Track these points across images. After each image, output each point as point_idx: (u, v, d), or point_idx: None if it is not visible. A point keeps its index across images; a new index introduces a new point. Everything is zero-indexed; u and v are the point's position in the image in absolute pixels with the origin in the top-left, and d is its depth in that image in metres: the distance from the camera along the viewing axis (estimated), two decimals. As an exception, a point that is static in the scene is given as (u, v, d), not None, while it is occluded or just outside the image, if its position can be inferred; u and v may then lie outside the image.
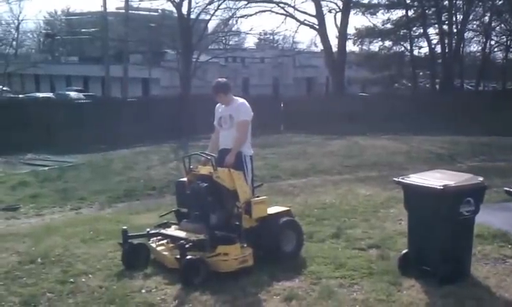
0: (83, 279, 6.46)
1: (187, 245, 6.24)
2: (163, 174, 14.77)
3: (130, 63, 37.65)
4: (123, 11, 37.11)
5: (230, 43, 48.96)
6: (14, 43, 45.22)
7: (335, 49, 33.34)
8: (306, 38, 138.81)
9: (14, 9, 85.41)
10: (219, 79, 7.65)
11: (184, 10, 30.46)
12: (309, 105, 28.85)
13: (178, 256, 6.25)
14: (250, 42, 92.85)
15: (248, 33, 71.18)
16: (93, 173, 15.40)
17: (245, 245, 6.47)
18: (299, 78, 53.17)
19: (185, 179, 7.18)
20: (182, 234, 6.70)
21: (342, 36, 33.25)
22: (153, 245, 6.90)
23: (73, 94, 37.03)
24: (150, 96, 38.35)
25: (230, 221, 6.70)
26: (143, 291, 6.07)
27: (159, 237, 6.97)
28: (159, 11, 42.27)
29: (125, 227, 7.02)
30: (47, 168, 16.57)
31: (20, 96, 34.87)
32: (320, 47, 38.32)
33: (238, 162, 6.94)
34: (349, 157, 17.10)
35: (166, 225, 7.20)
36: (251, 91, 47.00)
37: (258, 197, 6.97)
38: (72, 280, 6.43)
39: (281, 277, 6.35)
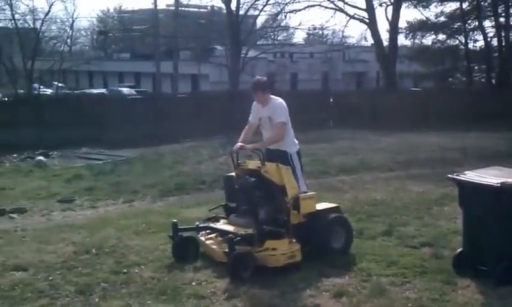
0: (136, 270, 6.59)
1: (235, 239, 6.29)
2: (212, 168, 14.87)
3: (180, 59, 38.07)
4: (173, 8, 37.55)
5: (279, 38, 48.73)
6: (68, 40, 46.25)
7: (385, 43, 32.85)
8: (356, 32, 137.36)
9: (68, 8, 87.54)
10: (258, 77, 7.70)
11: (233, 6, 30.61)
12: (359, 100, 28.54)
13: (226, 250, 6.30)
14: (299, 37, 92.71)
15: (296, 28, 70.56)
16: (144, 167, 15.64)
17: (293, 241, 6.48)
18: (349, 73, 52.61)
19: (233, 174, 7.19)
20: (230, 228, 6.76)
21: (393, 30, 32.67)
22: (202, 238, 6.96)
23: (125, 90, 37.69)
24: (199, 92, 38.65)
25: (278, 216, 6.69)
26: (194, 283, 6.15)
27: (208, 231, 7.03)
28: (208, 7, 42.62)
29: (175, 220, 7.11)
30: (101, 162, 16.94)
31: (75, 92, 35.74)
32: (370, 41, 37.83)
33: (284, 162, 6.93)
34: (401, 153, 16.79)
35: (215, 219, 7.27)
36: (300, 86, 46.85)
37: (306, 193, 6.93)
38: (125, 270, 6.57)
39: (331, 274, 6.31)
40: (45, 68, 32.52)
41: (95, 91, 37.38)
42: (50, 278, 6.41)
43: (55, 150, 18.90)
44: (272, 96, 7.25)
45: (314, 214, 6.77)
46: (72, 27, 42.52)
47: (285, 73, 44.57)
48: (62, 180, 13.71)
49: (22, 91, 27.99)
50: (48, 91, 33.11)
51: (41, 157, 17.31)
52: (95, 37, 67.13)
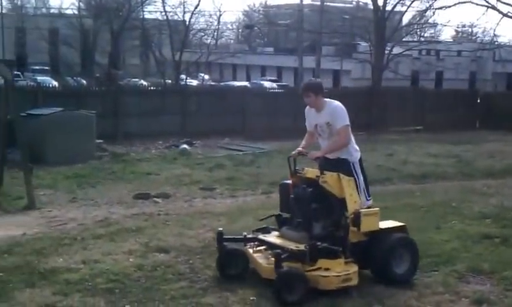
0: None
1: (283, 255, 5.73)
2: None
3: (322, 55, 38.12)
4: (319, 3, 37.63)
5: (425, 35, 47.12)
6: (215, 33, 47.94)
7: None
8: (509, 31, 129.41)
9: (216, 1, 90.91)
10: (312, 79, 7.25)
11: (380, 2, 30.03)
12: (509, 102, 26.86)
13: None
14: (446, 34, 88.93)
15: (445, 25, 68.09)
16: (283, 159, 15.75)
17: (350, 261, 5.89)
18: (499, 74, 49.63)
19: (290, 181, 6.54)
20: (280, 241, 6.12)
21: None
22: (250, 251, 6.32)
23: (267, 83, 38.43)
24: (340, 88, 38.46)
25: (336, 233, 6.04)
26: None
27: (256, 243, 6.39)
28: (354, 2, 42.16)
29: (220, 229, 6.56)
30: (241, 153, 17.43)
31: (220, 84, 37.02)
32: (525, 39, 35.37)
33: (346, 171, 6.22)
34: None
35: (266, 230, 6.51)
36: (445, 85, 45.01)
37: (369, 208, 6.16)
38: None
39: (472, 280, 6.10)
40: (192, 60, 33.90)
41: (237, 83, 38.49)
42: (191, 262, 6.74)
43: (198, 140, 19.71)
44: (327, 99, 6.51)
45: (376, 233, 6.03)
46: (218, 20, 44.06)
47: (430, 71, 43.07)
48: (204, 169, 14.27)
49: (169, 81, 29.43)
50: (194, 83, 34.55)
51: (185, 146, 18.06)
52: (240, 30, 69.12)
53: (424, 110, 24.84)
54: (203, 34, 42.85)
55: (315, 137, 6.67)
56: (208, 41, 43.04)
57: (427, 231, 7.98)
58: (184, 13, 35.49)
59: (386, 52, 30.89)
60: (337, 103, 6.46)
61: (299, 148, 6.49)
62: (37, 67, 44.35)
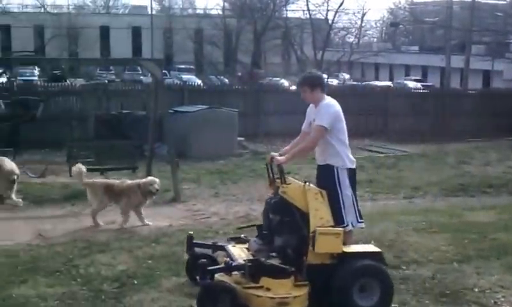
0: (414, 268, 6.47)
1: (210, 268, 5.18)
2: (501, 172, 13.88)
3: (472, 54, 36.27)
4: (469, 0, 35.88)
5: None
6: (358, 32, 47.38)
7: None
8: None
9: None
10: (311, 71, 6.40)
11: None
12: None
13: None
14: None
15: None
16: (427, 163, 15.26)
17: (303, 284, 5.14)
18: None
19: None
20: (238, 253, 5.54)
21: None
22: (219, 259, 5.78)
23: (411, 83, 37.29)
24: (491, 89, 36.37)
25: (290, 250, 5.30)
26: (476, 290, 5.84)
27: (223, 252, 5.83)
28: (508, -1, 39.64)
29: (191, 232, 6.15)
30: (382, 155, 17.01)
31: (361, 84, 36.54)
32: None
33: (329, 181, 5.55)
34: None
35: (241, 240, 5.92)
36: None
37: (336, 227, 5.30)
38: (403, 267, 6.50)
39: None
40: (334, 59, 33.75)
41: (379, 83, 37.74)
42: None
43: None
44: (327, 97, 5.79)
45: (339, 257, 5.22)
46: (362, 18, 43.50)
47: None
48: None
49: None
50: (334, 82, 34.37)
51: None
52: (384, 29, 67.75)
53: None
54: (345, 32, 42.58)
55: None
56: (351, 40, 42.70)
57: None
58: (328, 11, 35.48)
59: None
60: (329, 101, 5.74)
61: (273, 153, 5.69)
62: (182, 66, 46.54)
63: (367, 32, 66.83)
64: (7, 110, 15.84)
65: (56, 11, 45.89)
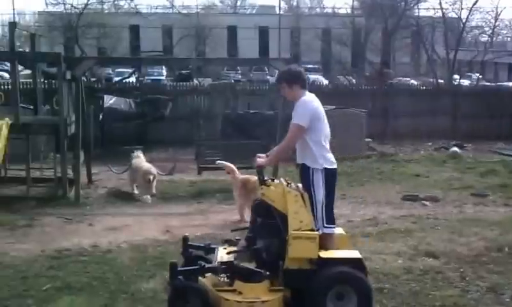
0: None
1: (180, 268, 5.13)
2: None
3: None
4: None
5: None
6: (492, 31, 45.10)
7: None
8: None
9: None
10: (290, 66, 6.00)
11: None
12: None
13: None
14: None
15: None
16: None
17: (278, 289, 5.00)
18: None
19: None
20: (221, 255, 5.45)
21: None
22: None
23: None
24: None
25: (264, 254, 5.18)
26: None
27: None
28: None
29: (186, 234, 5.90)
30: (517, 159, 16.28)
31: (494, 85, 34.90)
32: None
33: (305, 180, 5.35)
34: None
35: (232, 242, 5.79)
36: None
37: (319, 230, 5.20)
38: None
39: None
40: (466, 59, 32.55)
41: (512, 84, 35.82)
42: (461, 270, 6.59)
43: (469, 143, 18.90)
44: (308, 93, 5.53)
45: (319, 262, 5.02)
46: (496, 17, 41.48)
47: None
48: (475, 174, 13.65)
49: (441, 81, 28.65)
50: (466, 83, 33.15)
51: (455, 148, 17.46)
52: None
53: None
54: (478, 31, 40.84)
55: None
56: (485, 39, 40.86)
57: None
58: (461, 9, 34.26)
59: None
60: (306, 98, 5.47)
61: (259, 154, 5.56)
62: (309, 66, 46.69)
63: (501, 31, 63.55)
64: (137, 109, 16.57)
65: (184, 12, 47.38)
